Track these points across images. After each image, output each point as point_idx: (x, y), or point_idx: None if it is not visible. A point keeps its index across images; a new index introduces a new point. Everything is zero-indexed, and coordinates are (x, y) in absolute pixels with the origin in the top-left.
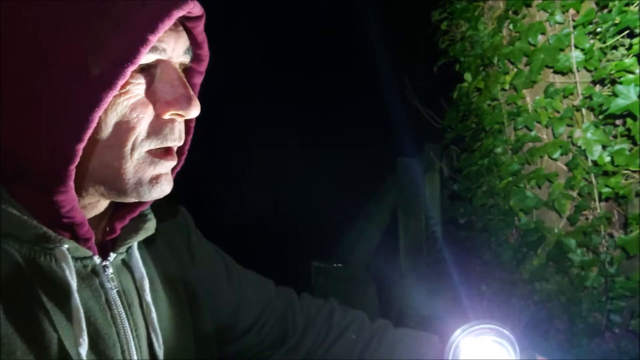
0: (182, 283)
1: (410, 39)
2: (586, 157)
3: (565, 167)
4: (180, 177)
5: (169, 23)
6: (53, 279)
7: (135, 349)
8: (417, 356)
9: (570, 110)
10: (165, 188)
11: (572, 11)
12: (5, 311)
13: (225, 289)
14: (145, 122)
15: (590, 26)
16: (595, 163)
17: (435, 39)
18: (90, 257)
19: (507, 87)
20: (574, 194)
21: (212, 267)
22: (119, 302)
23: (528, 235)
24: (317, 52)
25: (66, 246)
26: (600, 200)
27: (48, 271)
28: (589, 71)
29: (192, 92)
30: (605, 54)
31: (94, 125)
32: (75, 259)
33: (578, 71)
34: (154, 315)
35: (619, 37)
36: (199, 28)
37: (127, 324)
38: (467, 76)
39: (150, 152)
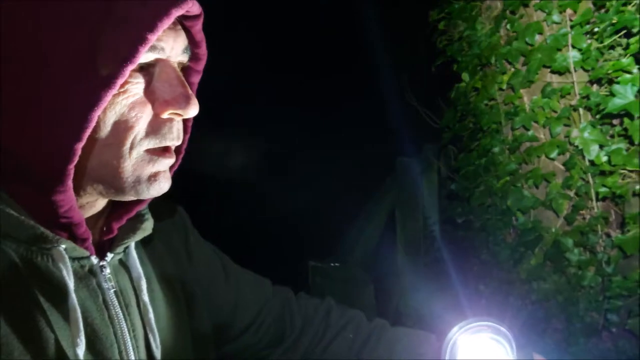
0: (180, 283)
1: (409, 39)
2: (583, 157)
3: (562, 167)
4: (178, 176)
5: (168, 22)
6: (50, 279)
7: (133, 349)
8: (414, 355)
9: (567, 109)
10: (163, 186)
11: (569, 11)
12: (3, 312)
13: (223, 289)
14: (144, 121)
15: (588, 26)
16: (592, 163)
17: (433, 38)
18: (88, 257)
19: (504, 86)
20: (571, 193)
21: (209, 267)
22: (116, 303)
23: (525, 234)
24: (317, 52)
25: (63, 246)
26: (597, 199)
27: (45, 271)
28: (587, 71)
29: (190, 92)
30: (602, 53)
31: (92, 124)
32: (73, 259)
33: (575, 71)
34: (151, 315)
35: (616, 36)
36: (197, 27)
37: (124, 324)
38: (465, 76)
39: (148, 150)
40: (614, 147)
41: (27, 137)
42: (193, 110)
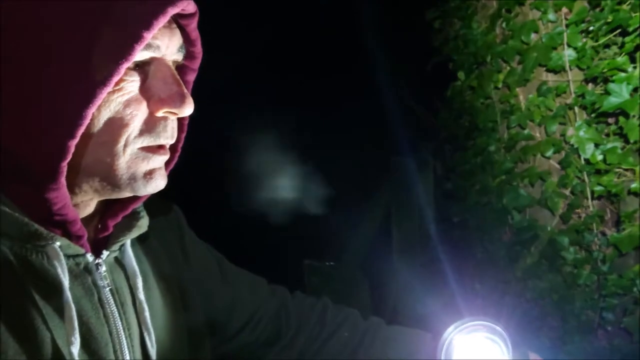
0: (176, 281)
1: (408, 38)
2: (579, 155)
3: (558, 166)
4: (174, 175)
5: (163, 20)
6: (45, 277)
7: (128, 348)
8: (410, 354)
9: (563, 108)
10: (159, 183)
11: (564, 10)
12: None
13: (219, 289)
14: (139, 119)
15: (583, 24)
16: (587, 161)
17: (430, 37)
18: (83, 255)
19: (500, 85)
20: (567, 192)
21: (205, 267)
22: (111, 301)
23: (521, 233)
24: (317, 52)
25: (58, 243)
26: (592, 198)
27: (40, 269)
28: (582, 69)
29: (185, 90)
30: (597, 52)
31: (86, 121)
32: (68, 256)
33: (571, 69)
34: (146, 313)
35: (611, 35)
36: (193, 25)
37: (119, 323)
38: (461, 74)
39: (142, 148)
40: (609, 145)
41: (22, 135)
42: (188, 109)
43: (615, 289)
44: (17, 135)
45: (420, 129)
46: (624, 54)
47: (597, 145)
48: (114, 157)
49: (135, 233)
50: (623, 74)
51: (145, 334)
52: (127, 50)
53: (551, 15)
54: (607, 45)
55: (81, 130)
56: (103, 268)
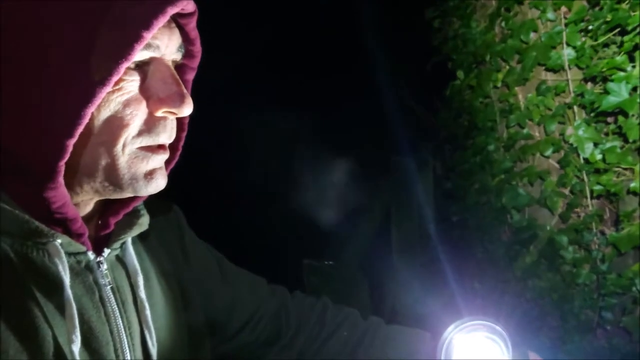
0: (176, 280)
1: (407, 38)
2: (578, 155)
3: (557, 165)
4: (174, 175)
5: (163, 20)
6: (46, 274)
7: (129, 347)
8: (409, 353)
9: (562, 107)
10: (160, 183)
11: (563, 9)
12: None
13: (219, 288)
14: (139, 118)
15: (582, 24)
16: (586, 160)
17: (429, 37)
18: (84, 253)
19: (499, 84)
20: (566, 191)
21: (205, 267)
22: (112, 300)
23: (520, 232)
24: (317, 52)
25: (59, 241)
26: (591, 197)
27: (41, 266)
28: (581, 69)
29: (185, 90)
30: (596, 51)
31: (85, 121)
32: (69, 254)
33: (570, 69)
34: (147, 312)
35: (610, 34)
36: (192, 25)
37: (120, 321)
38: (460, 74)
39: (141, 148)
40: (608, 144)
41: (22, 134)
42: (187, 109)
43: (614, 288)
44: (17, 134)
45: (420, 128)
46: (623, 53)
47: (596, 145)
48: (114, 157)
49: (137, 231)
50: (622, 73)
51: (146, 333)
52: (126, 50)
53: (550, 15)
54: (606, 45)
55: (79, 129)
56: (104, 266)
